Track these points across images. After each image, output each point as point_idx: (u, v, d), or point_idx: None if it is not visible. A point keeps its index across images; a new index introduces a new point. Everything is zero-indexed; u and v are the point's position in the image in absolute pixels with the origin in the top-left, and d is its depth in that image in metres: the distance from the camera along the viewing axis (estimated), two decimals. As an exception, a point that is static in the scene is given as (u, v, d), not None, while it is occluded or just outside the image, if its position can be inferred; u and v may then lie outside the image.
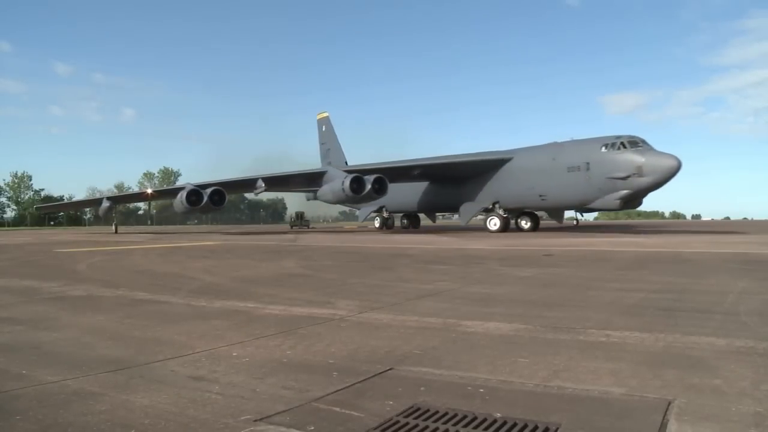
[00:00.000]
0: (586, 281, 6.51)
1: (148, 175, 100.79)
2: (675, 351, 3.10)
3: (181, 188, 29.22)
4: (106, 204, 34.85)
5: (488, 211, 27.58)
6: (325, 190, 28.71)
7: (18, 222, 78.13)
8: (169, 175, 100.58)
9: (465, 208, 28.78)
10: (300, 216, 53.68)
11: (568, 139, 25.12)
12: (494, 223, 26.67)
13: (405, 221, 38.90)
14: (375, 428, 2.06)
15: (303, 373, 2.77)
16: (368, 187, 26.06)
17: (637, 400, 2.30)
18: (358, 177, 26.13)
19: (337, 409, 2.24)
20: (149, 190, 36.65)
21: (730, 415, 2.10)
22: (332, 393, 2.44)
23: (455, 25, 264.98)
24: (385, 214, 36.04)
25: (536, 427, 2.04)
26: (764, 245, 13.82)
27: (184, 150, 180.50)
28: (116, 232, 36.11)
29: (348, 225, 67.86)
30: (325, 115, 46.46)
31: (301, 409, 2.24)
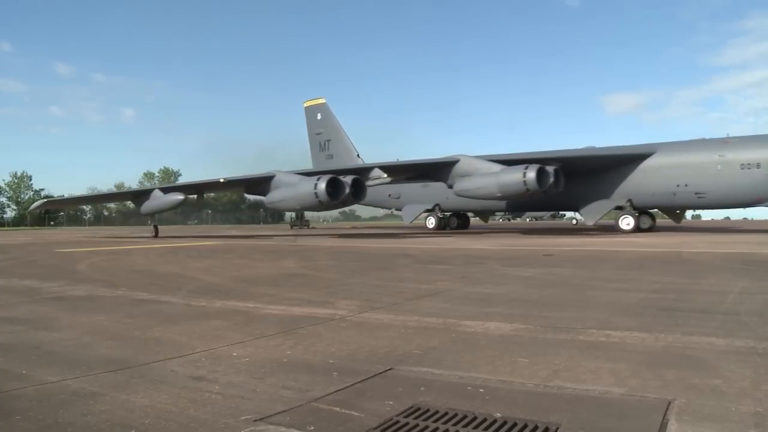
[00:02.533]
0: (586, 281, 6.51)
1: (149, 175, 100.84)
2: (675, 351, 3.10)
3: (270, 176, 23.22)
4: (175, 197, 24.31)
5: (619, 209, 25.74)
6: (486, 182, 22.81)
7: (18, 222, 78.07)
8: (169, 174, 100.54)
9: (594, 206, 26.24)
10: (300, 216, 53.49)
11: (723, 136, 24.50)
12: (627, 222, 24.90)
13: (457, 221, 35.28)
14: (375, 428, 2.05)
15: (303, 373, 2.77)
16: (551, 179, 22.04)
17: (637, 400, 2.30)
18: (542, 168, 21.88)
19: (337, 409, 2.24)
20: (222, 179, 27.18)
21: (730, 415, 2.10)
22: (332, 393, 2.44)
23: (454, 24, 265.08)
24: (440, 214, 32.50)
25: (536, 427, 2.04)
26: (764, 245, 13.81)
27: (184, 149, 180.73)
28: (156, 235, 26.08)
29: (358, 223, 66.88)
30: (320, 101, 40.63)
31: (301, 409, 2.24)
